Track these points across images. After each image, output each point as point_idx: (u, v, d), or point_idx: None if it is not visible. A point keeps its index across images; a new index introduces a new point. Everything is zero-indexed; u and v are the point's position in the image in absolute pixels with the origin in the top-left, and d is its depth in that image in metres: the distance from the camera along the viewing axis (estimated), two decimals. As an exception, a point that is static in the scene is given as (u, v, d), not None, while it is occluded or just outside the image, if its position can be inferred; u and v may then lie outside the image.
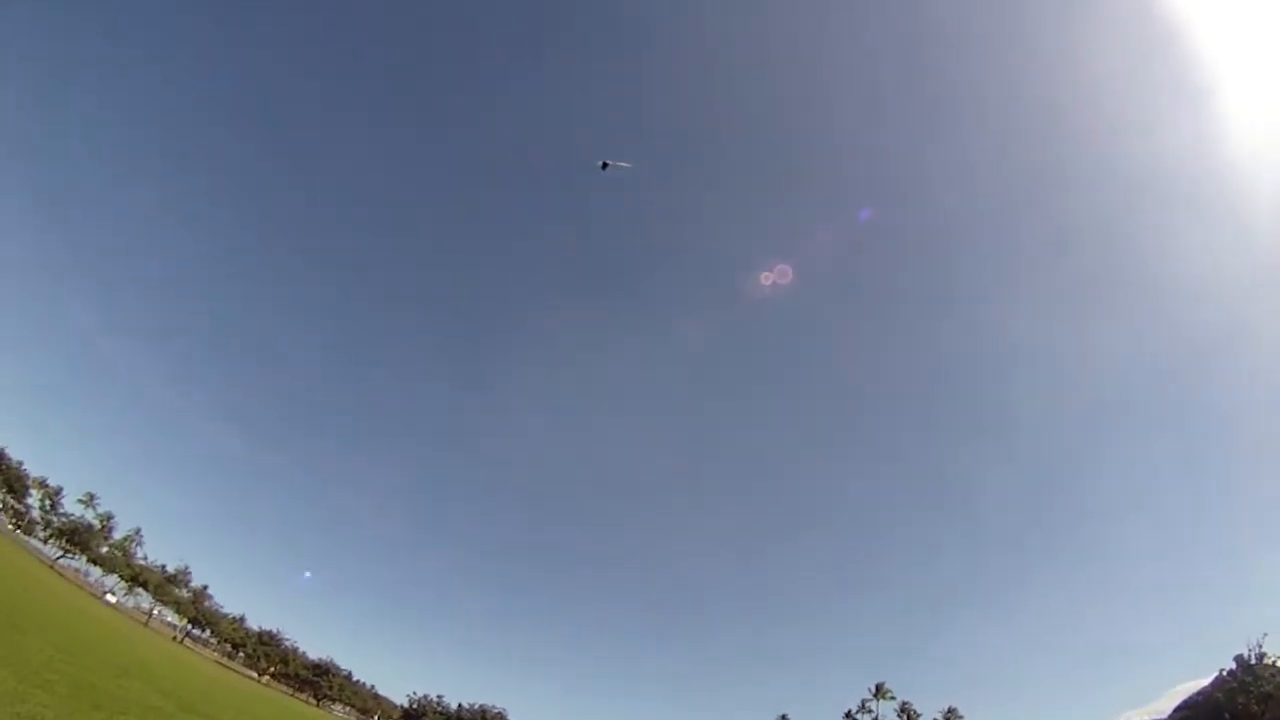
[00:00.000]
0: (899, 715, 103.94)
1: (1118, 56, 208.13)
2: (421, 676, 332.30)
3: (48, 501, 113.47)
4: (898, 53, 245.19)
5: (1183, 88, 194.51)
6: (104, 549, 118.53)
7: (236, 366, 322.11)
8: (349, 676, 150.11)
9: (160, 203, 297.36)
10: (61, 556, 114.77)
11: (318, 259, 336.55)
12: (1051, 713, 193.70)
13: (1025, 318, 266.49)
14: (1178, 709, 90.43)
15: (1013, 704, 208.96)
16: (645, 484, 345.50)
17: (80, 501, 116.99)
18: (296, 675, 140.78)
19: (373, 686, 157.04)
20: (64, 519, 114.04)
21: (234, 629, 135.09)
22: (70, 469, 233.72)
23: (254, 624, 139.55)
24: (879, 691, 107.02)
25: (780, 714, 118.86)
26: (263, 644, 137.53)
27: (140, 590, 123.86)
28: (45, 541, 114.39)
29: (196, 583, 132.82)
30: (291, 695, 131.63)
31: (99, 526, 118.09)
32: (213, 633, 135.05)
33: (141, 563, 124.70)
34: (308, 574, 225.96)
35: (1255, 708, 70.42)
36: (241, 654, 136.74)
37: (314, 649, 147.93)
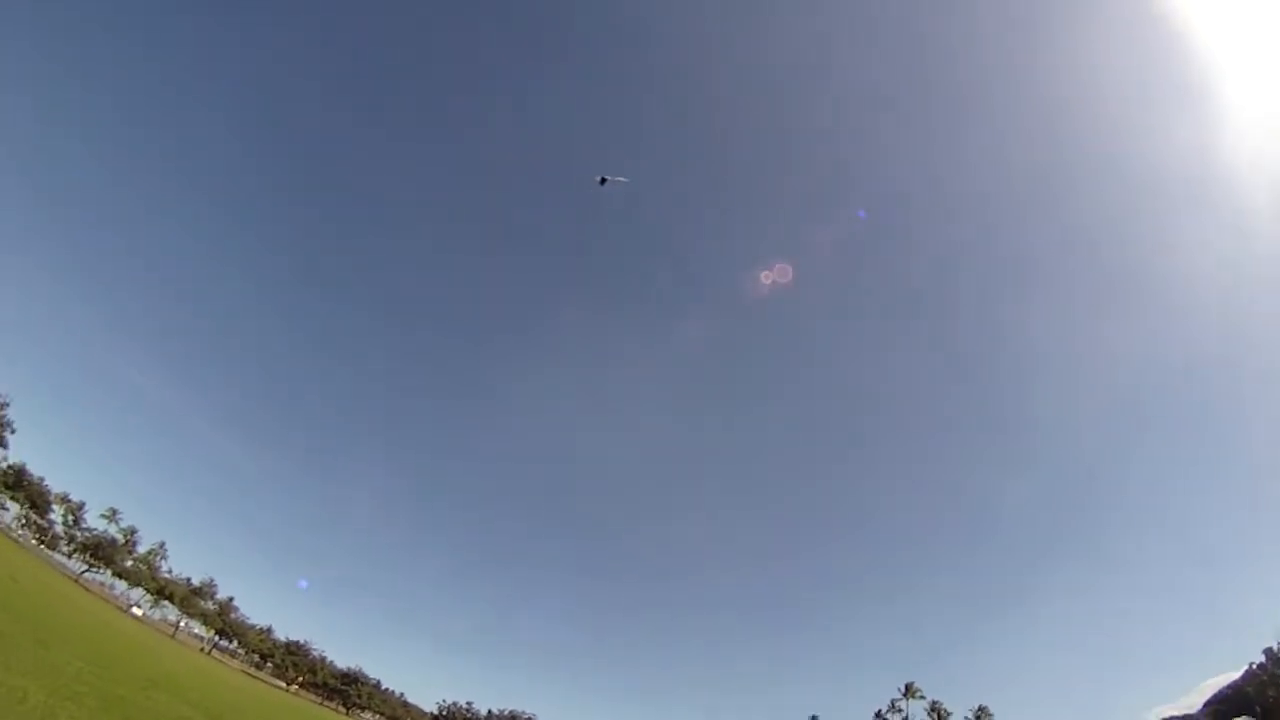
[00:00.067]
0: (929, 714, 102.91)
1: (1121, 58, 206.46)
2: (448, 683, 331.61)
3: (70, 517, 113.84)
4: (900, 55, 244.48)
5: (1188, 88, 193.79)
6: (128, 563, 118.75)
7: (237, 368, 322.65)
8: (378, 685, 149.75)
9: (160, 203, 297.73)
10: (86, 570, 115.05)
11: (318, 261, 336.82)
12: (1083, 709, 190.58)
13: (1038, 319, 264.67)
14: (1208, 703, 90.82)
15: (1044, 703, 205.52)
16: (666, 487, 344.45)
17: (103, 517, 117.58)
18: (325, 684, 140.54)
19: (401, 694, 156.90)
20: (87, 534, 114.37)
21: (261, 640, 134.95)
22: (70, 469, 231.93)
23: (281, 634, 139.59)
24: (909, 691, 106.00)
25: (811, 715, 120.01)
26: (290, 654, 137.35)
27: (166, 603, 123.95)
28: (69, 556, 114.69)
29: (222, 595, 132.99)
30: (320, 704, 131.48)
31: (123, 541, 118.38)
32: (240, 644, 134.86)
33: (167, 576, 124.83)
34: (304, 582, 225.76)
35: (1285, 700, 69.62)
36: (270, 664, 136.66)
37: (342, 658, 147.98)
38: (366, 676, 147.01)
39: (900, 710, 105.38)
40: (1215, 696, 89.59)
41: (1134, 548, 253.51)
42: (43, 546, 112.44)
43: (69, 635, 32.03)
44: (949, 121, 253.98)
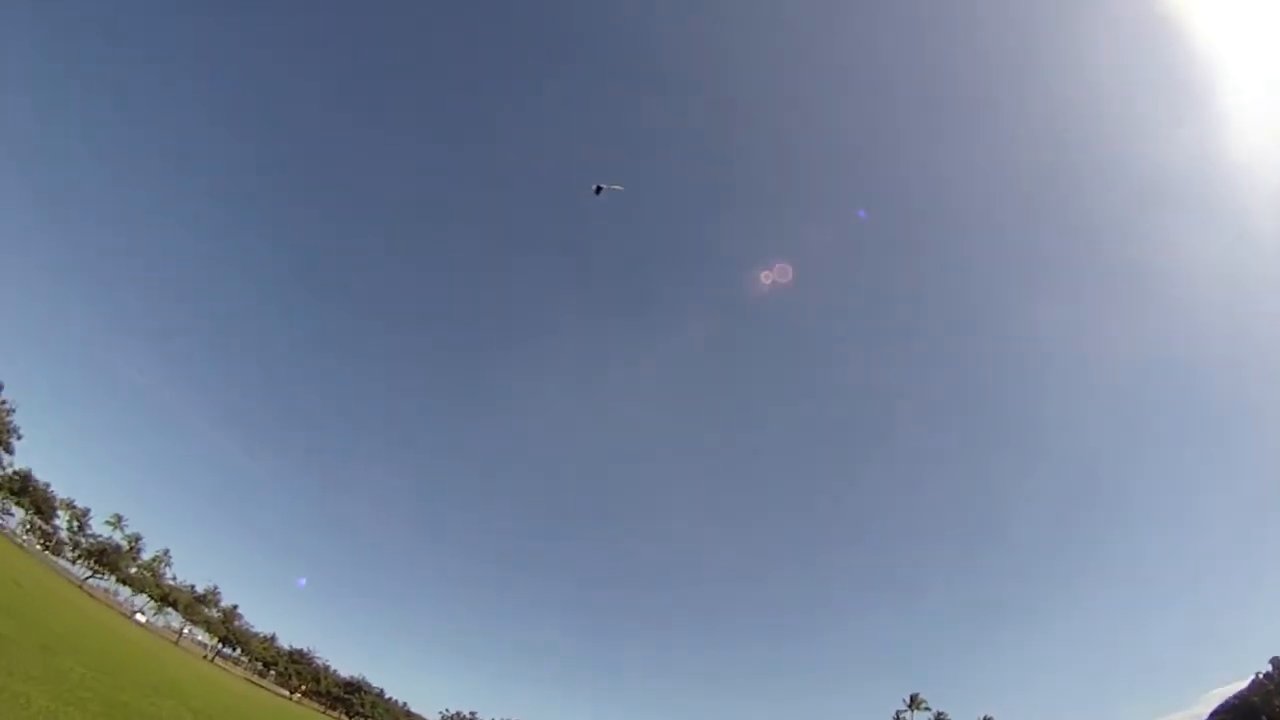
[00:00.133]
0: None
1: (1123, 57, 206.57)
2: (451, 693, 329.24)
3: (75, 523, 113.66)
4: (900, 54, 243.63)
5: (1190, 88, 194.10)
6: (133, 569, 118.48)
7: (237, 368, 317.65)
8: (381, 694, 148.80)
9: (160, 203, 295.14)
10: (90, 577, 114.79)
11: (318, 261, 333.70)
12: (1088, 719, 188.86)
13: (1038, 318, 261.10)
14: (1214, 713, 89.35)
15: (1049, 712, 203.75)
16: (668, 489, 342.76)
17: (108, 523, 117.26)
18: (328, 693, 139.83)
19: (405, 704, 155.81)
20: (92, 540, 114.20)
21: (265, 648, 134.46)
22: (70, 469, 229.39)
23: (285, 643, 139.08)
24: (913, 702, 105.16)
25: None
26: (294, 662, 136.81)
27: (170, 610, 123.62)
28: (74, 562, 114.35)
29: (226, 602, 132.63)
30: (323, 713, 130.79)
31: (127, 548, 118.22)
32: (244, 651, 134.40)
33: (171, 583, 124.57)
34: (302, 580, 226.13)
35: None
36: (273, 672, 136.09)
37: (345, 667, 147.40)
38: (370, 685, 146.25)
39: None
40: (1221, 706, 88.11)
41: (1139, 555, 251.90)
42: (47, 552, 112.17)
43: (73, 641, 31.74)
44: (949, 121, 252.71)
